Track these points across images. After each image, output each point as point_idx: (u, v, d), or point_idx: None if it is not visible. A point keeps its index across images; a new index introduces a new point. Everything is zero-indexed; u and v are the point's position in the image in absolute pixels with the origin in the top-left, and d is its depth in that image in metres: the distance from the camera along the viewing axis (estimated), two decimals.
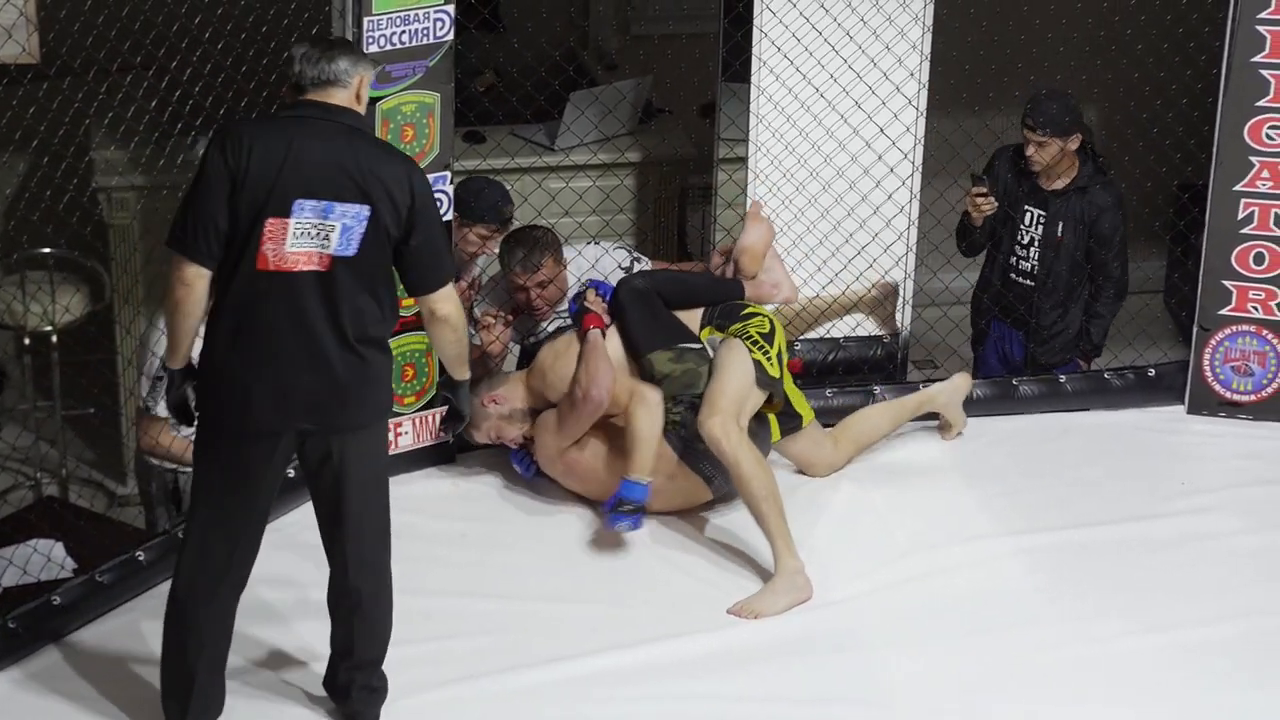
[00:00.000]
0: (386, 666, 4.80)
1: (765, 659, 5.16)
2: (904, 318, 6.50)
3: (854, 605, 5.42)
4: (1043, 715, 4.95)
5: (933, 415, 6.34)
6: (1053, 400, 6.54)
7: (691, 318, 5.92)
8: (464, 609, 5.33)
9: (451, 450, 6.11)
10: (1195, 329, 6.51)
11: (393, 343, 5.78)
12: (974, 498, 6.02)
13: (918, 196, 6.37)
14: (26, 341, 6.48)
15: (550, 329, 6.16)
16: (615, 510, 5.60)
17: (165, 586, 5.27)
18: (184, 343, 4.45)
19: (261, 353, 4.39)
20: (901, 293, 6.47)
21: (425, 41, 5.66)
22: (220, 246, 4.34)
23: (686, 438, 5.70)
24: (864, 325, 6.49)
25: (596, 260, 6.21)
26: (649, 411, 5.66)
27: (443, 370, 4.84)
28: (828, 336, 6.47)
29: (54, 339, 6.40)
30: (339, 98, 4.45)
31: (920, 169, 6.35)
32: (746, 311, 5.91)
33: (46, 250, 6.38)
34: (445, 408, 4.90)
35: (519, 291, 6.11)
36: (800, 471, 6.08)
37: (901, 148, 6.29)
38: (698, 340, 5.84)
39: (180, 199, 4.39)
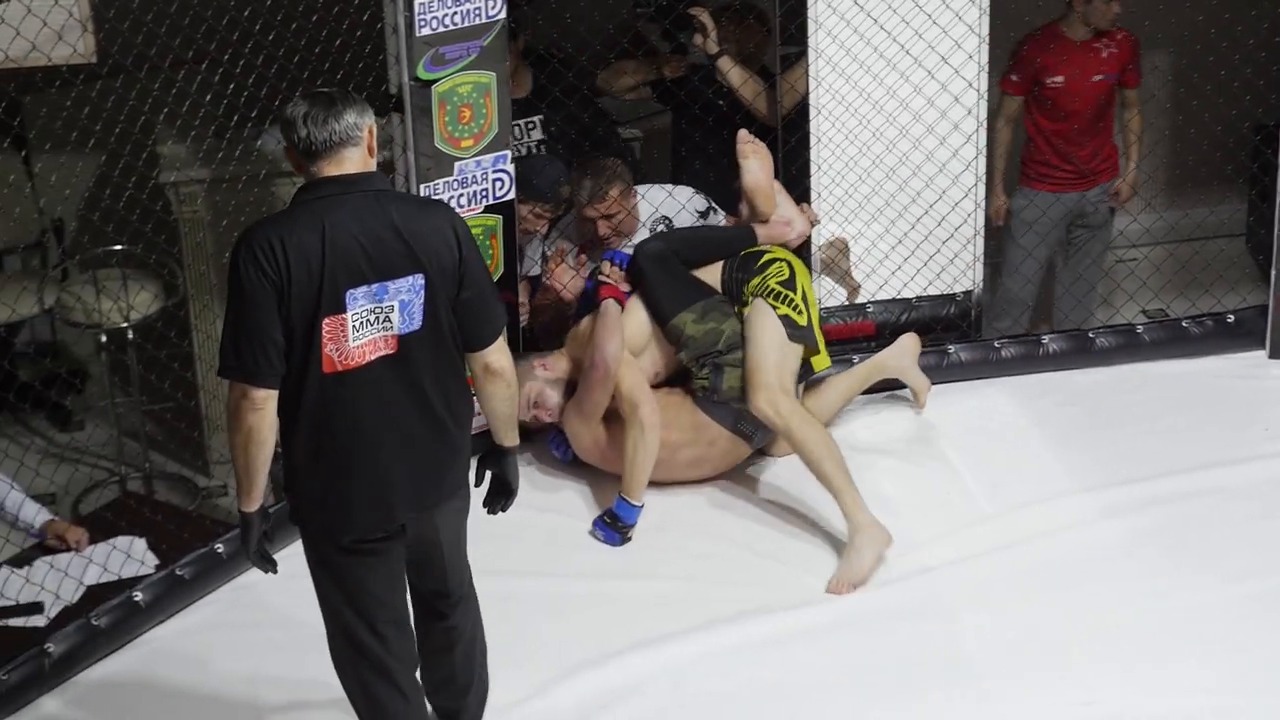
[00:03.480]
0: None
1: (849, 628, 5.14)
2: (976, 275, 6.44)
3: (937, 570, 5.38)
4: (1128, 671, 4.89)
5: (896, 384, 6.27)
6: (1130, 351, 6.48)
7: (711, 274, 5.87)
8: (532, 591, 5.33)
9: None
10: (1274, 272, 6.41)
11: None
12: (1053, 454, 5.97)
13: (983, 152, 6.31)
14: (104, 339, 6.51)
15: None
16: (603, 521, 5.64)
17: (245, 578, 5.36)
18: (260, 478, 4.12)
19: (351, 458, 4.12)
20: (974, 249, 6.41)
21: (477, 21, 5.64)
22: (281, 362, 4.02)
23: (718, 400, 5.68)
24: (936, 284, 6.43)
25: (662, 201, 6.17)
26: (643, 436, 5.63)
27: (489, 439, 4.41)
28: (900, 297, 6.42)
29: (130, 335, 6.43)
30: (353, 160, 4.08)
31: (985, 124, 6.29)
32: (763, 261, 5.83)
33: (117, 248, 6.41)
34: (489, 481, 4.47)
35: (587, 223, 6.09)
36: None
37: (965, 103, 6.23)
38: (716, 291, 5.81)
39: (225, 322, 4.07)
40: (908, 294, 6.44)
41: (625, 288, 5.80)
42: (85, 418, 7.07)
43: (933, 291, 6.44)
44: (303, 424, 4.09)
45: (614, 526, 5.64)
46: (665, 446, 5.69)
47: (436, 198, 4.28)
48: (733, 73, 6.39)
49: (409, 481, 4.17)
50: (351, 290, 4.01)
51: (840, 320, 6.41)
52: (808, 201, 6.20)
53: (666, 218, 6.15)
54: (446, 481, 4.25)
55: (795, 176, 6.25)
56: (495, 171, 5.83)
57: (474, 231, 5.74)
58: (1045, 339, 6.46)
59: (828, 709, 4.84)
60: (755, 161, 5.95)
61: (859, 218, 6.32)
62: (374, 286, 4.03)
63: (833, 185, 6.26)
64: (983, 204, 6.37)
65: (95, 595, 5.26)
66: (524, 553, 5.50)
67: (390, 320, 4.06)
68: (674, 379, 5.84)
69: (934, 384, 6.22)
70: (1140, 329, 6.52)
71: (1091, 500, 5.66)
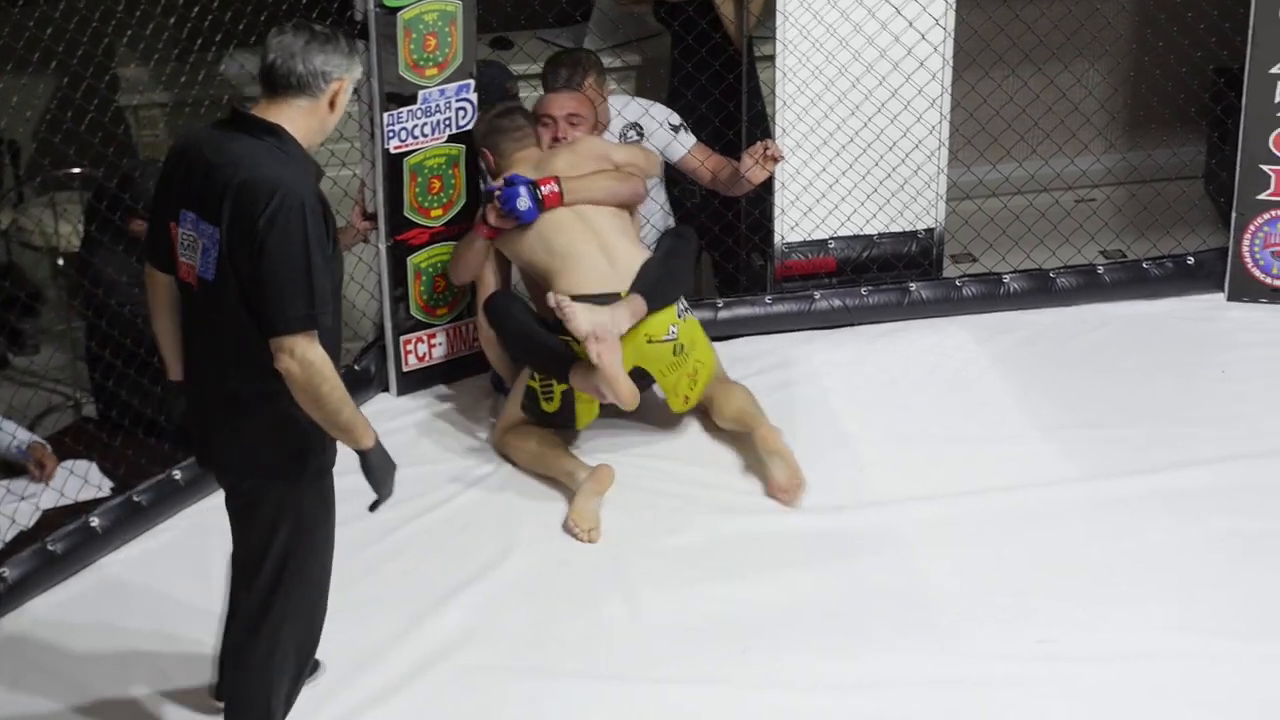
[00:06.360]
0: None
1: (803, 562, 5.15)
2: (939, 213, 6.44)
3: (893, 505, 5.39)
4: (1087, 610, 4.90)
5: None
6: (1090, 292, 6.49)
7: None
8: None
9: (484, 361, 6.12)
10: (1234, 215, 6.43)
11: (422, 254, 5.85)
12: (1011, 392, 5.98)
13: (949, 90, 6.30)
14: (60, 262, 6.46)
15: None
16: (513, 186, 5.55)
17: (202, 504, 5.35)
18: (161, 350, 4.33)
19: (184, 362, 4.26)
20: (937, 186, 6.40)
21: None
22: (162, 248, 4.14)
23: None
24: (898, 221, 6.43)
25: (640, 115, 6.11)
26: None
27: None
28: (861, 233, 6.41)
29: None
30: (296, 106, 4.02)
31: (951, 62, 6.27)
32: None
33: (75, 170, 6.33)
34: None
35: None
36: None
37: (931, 41, 6.21)
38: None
39: None
40: (870, 231, 6.43)
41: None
42: (40, 341, 7.02)
43: (895, 229, 6.44)
44: None
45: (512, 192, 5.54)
46: None
47: (280, 188, 3.95)
48: None
49: (195, 408, 4.23)
50: (184, 210, 4.05)
51: (801, 256, 6.40)
52: (772, 137, 6.18)
53: (637, 124, 6.10)
54: (215, 450, 4.20)
55: (760, 111, 6.24)
56: (459, 100, 5.80)
57: (436, 161, 5.75)
58: (1006, 278, 6.46)
59: (780, 636, 4.84)
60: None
61: (822, 153, 6.31)
62: (194, 216, 4.04)
63: (797, 121, 6.24)
64: (946, 142, 6.36)
65: (50, 520, 5.24)
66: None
67: (195, 254, 4.05)
68: None
69: (894, 321, 6.24)
70: (1100, 269, 6.53)
71: (1051, 439, 5.68)
